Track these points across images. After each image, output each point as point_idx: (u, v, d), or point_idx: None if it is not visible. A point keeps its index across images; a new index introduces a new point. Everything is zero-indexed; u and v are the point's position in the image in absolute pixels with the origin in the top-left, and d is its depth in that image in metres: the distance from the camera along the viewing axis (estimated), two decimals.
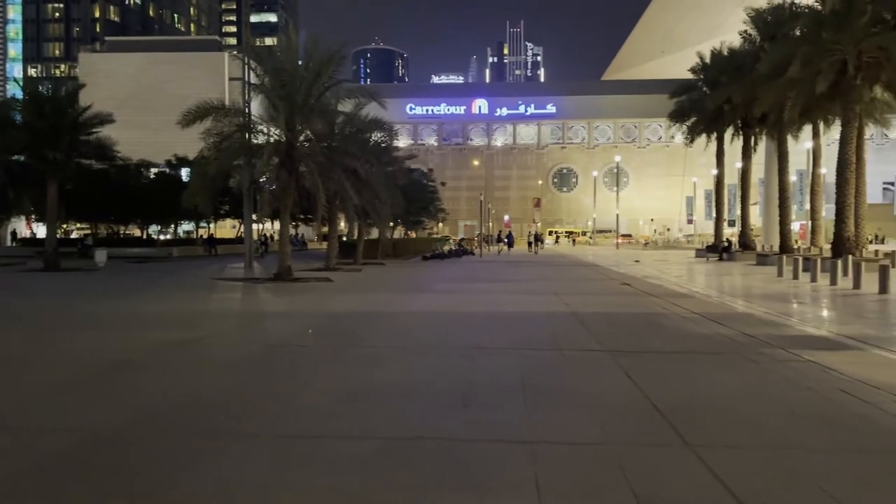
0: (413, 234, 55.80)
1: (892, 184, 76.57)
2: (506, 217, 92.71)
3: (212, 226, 54.94)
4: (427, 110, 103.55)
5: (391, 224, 39.02)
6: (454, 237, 65.67)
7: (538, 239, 55.20)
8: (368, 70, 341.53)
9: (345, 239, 41.38)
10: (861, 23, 27.98)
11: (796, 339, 10.53)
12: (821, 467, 4.81)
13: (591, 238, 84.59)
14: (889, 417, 6.06)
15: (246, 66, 26.72)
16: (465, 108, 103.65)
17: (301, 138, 24.32)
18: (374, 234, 39.23)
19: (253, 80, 25.50)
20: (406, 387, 7.53)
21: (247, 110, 25.33)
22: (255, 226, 40.68)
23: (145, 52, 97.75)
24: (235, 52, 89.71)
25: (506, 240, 54.38)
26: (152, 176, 47.44)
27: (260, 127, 24.68)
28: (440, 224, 64.53)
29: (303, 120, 23.63)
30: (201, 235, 54.68)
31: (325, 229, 36.47)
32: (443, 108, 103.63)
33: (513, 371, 8.30)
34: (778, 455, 5.10)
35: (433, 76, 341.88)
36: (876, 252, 35.19)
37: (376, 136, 32.31)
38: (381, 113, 29.82)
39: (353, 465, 4.97)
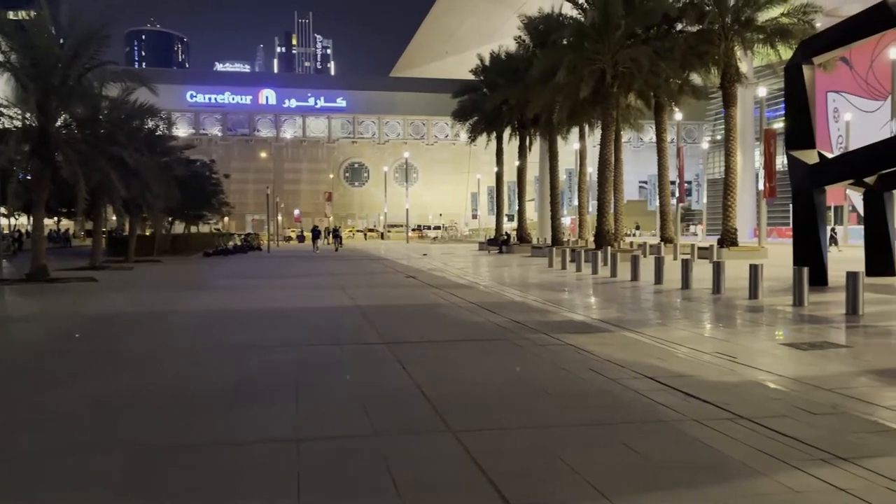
0: (196, 229, 52.73)
1: (646, 182, 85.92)
2: (296, 211, 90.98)
3: None
4: (210, 98, 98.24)
5: (169, 219, 36.55)
6: (220, 231, 62.81)
7: (336, 234, 52.74)
8: (143, 53, 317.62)
9: (115, 235, 38.10)
10: (616, 36, 31.03)
11: (558, 325, 11.37)
12: (566, 441, 5.18)
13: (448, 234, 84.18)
14: (628, 392, 6.70)
15: None
16: (251, 97, 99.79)
17: (58, 123, 21.96)
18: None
19: None
20: (169, 391, 7.06)
21: None
22: (5, 220, 36.09)
23: None
24: None
25: (311, 233, 51.09)
26: None
27: (10, 111, 21.85)
28: (226, 218, 61.65)
29: (60, 103, 21.34)
30: None
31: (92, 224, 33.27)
32: (227, 97, 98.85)
33: (287, 368, 8.10)
34: (529, 433, 5.42)
35: (217, 63, 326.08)
36: (631, 244, 39.30)
37: (150, 123, 30.07)
38: (156, 99, 27.78)
39: (96, 482, 4.52)
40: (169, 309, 14.51)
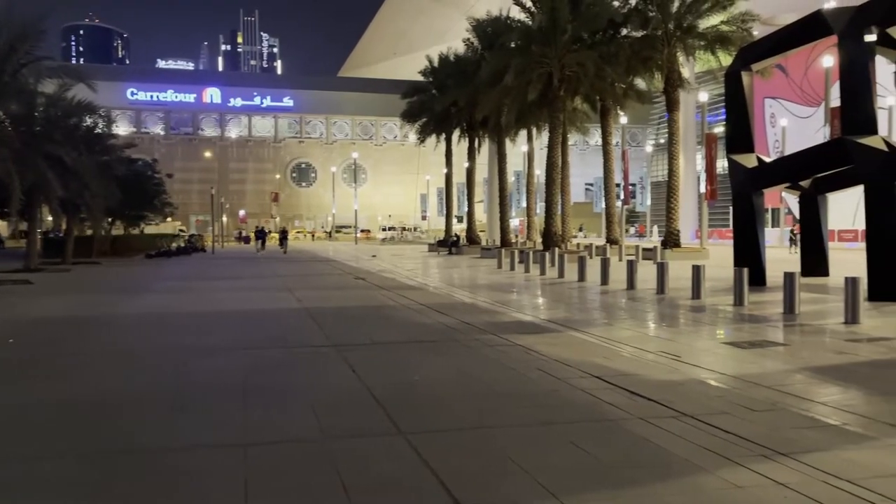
0: (142, 230, 51.37)
1: (591, 184, 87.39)
2: (241, 212, 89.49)
3: None
4: (152, 96, 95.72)
5: (109, 219, 35.51)
6: (185, 232, 61.57)
7: (283, 236, 51.28)
8: (81, 49, 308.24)
9: (52, 236, 36.81)
10: (563, 40, 31.45)
11: (507, 325, 11.46)
12: (515, 441, 5.22)
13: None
14: (575, 391, 6.79)
15: None
16: (195, 96, 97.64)
17: None
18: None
19: None
20: (113, 396, 6.87)
21: None
22: None
23: None
24: None
25: (256, 234, 49.05)
26: None
27: None
28: (169, 219, 60.21)
29: None
30: None
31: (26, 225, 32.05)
32: (170, 96, 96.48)
33: (234, 372, 7.96)
34: (479, 434, 5.45)
35: (159, 60, 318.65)
36: (578, 245, 39.87)
37: (88, 121, 29.15)
38: (95, 96, 26.98)
39: (37, 487, 4.37)
40: (109, 312, 14.09)
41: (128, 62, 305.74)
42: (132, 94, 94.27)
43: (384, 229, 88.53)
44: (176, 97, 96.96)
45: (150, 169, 45.08)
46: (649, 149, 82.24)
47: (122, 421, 6.00)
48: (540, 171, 45.16)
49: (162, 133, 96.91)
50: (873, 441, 5.19)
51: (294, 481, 4.51)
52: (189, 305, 15.14)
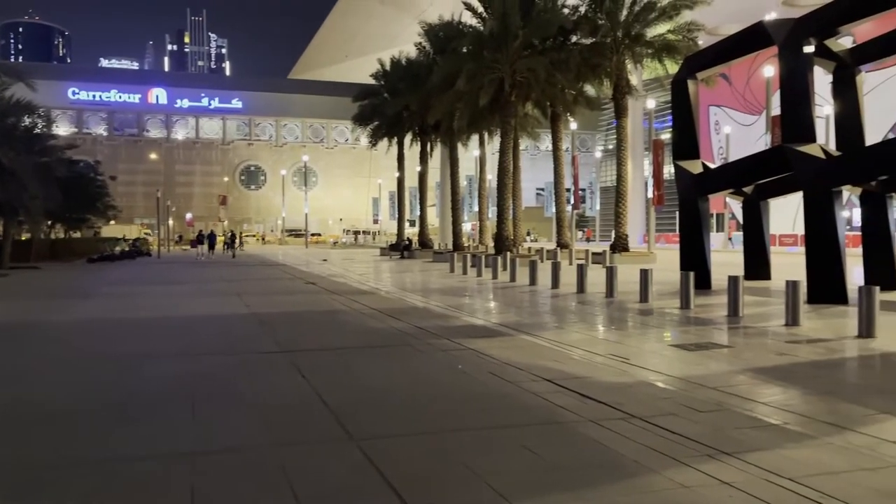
0: (96, 234, 49.92)
1: (542, 189, 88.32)
2: (188, 215, 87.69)
3: None
4: (95, 96, 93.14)
5: (49, 222, 34.38)
6: (134, 235, 60.05)
7: (232, 239, 50.45)
8: (20, 47, 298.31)
9: None
10: (514, 46, 31.72)
11: (460, 329, 11.47)
12: (467, 445, 5.23)
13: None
14: (527, 395, 6.84)
15: None
16: (140, 96, 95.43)
17: None
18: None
19: None
20: (53, 406, 6.61)
21: None
22: None
23: None
24: None
25: (198, 238, 48.04)
26: None
27: None
28: (112, 222, 58.60)
29: None
30: None
31: None
32: (114, 96, 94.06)
33: (182, 379, 7.78)
34: (431, 438, 5.44)
35: (102, 59, 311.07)
36: (529, 249, 40.20)
37: (28, 121, 28.22)
38: (34, 95, 26.12)
39: None
40: (48, 318, 13.62)
41: (69, 61, 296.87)
42: (73, 93, 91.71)
43: (346, 231, 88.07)
44: (120, 97, 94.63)
45: (92, 171, 43.89)
46: (598, 154, 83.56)
47: (64, 430, 5.79)
48: (492, 176, 45.46)
49: (105, 134, 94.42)
50: (812, 439, 5.36)
51: (244, 490, 4.42)
52: (134, 311, 14.75)
